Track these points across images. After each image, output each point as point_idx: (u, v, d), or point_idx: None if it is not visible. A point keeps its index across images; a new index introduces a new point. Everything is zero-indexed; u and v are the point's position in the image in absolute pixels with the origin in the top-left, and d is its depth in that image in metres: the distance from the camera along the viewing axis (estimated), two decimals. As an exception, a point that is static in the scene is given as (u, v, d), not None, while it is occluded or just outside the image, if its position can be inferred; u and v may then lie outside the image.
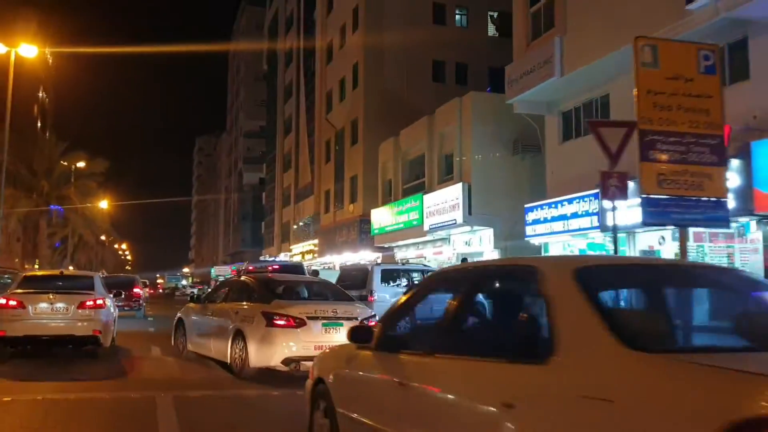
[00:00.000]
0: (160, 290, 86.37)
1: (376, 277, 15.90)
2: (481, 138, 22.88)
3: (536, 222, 19.18)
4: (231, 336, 10.24)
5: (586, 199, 16.98)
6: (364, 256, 34.90)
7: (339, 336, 9.43)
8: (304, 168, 47.34)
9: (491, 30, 36.45)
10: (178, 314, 12.78)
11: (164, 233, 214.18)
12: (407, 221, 27.16)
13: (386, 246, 31.14)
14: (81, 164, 43.32)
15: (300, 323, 9.60)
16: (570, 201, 17.62)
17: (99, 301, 11.45)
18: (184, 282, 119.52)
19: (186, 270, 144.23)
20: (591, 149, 18.13)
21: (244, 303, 10.60)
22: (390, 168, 30.60)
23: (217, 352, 10.86)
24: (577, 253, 19.20)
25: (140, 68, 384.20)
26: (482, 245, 23.24)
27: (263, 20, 69.67)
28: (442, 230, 24.70)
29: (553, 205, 18.41)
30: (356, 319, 9.80)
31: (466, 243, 24.52)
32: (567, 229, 17.73)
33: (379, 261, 34.10)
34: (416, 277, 16.79)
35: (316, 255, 41.98)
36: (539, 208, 19.11)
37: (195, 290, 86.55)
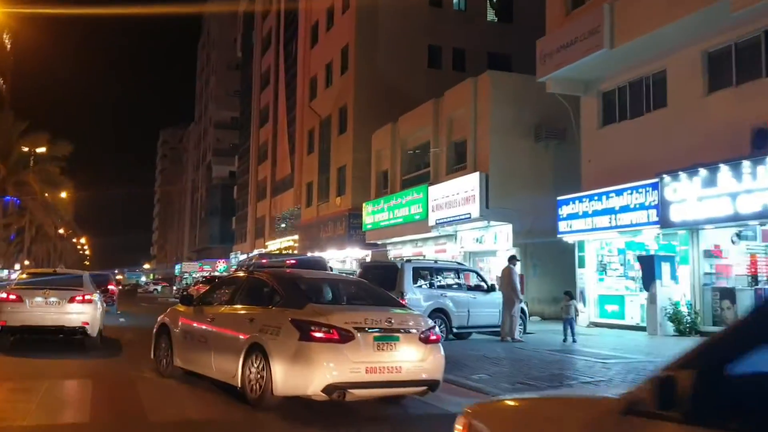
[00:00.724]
0: (119, 287, 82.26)
1: (408, 275, 13.28)
2: (500, 123, 20.37)
3: (572, 217, 16.75)
4: (244, 352, 7.38)
5: (641, 189, 14.60)
6: (352, 254, 32.23)
7: (396, 355, 6.87)
8: (283, 159, 44.41)
9: (490, 15, 34.08)
10: (161, 319, 9.77)
11: (124, 228, 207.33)
12: (407, 215, 24.56)
13: (380, 243, 28.51)
14: (42, 149, 39.70)
15: (346, 336, 6.84)
16: (619, 192, 15.22)
17: (87, 297, 12.32)
18: (143, 279, 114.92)
19: (146, 266, 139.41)
20: (642, 133, 16.02)
21: (263, 307, 7.78)
22: (385, 158, 27.97)
23: (221, 372, 7.99)
24: (614, 254, 16.83)
25: (107, 52, 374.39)
26: (497, 243, 20.72)
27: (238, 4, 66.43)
28: (451, 225, 22.14)
29: (596, 198, 15.99)
30: (415, 331, 7.14)
31: (477, 240, 21.99)
32: (615, 224, 15.34)
33: (368, 258, 31.49)
34: (450, 276, 14.20)
35: (295, 252, 39.08)
36: (576, 201, 16.68)
37: (162, 287, 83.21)
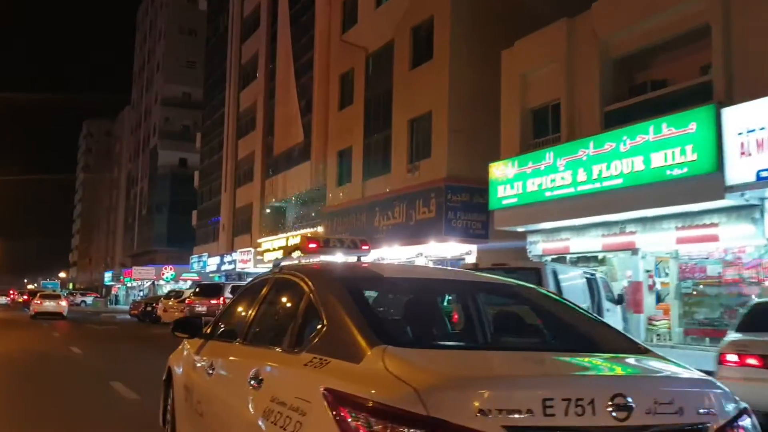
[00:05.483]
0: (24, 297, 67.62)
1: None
2: None
3: None
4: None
5: None
6: (436, 250, 20.60)
7: None
8: (287, 125, 32.11)
9: None
10: (170, 361, 5.20)
11: (35, 232, 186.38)
12: (637, 173, 13.09)
13: (521, 230, 16.98)
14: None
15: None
16: None
17: (62, 302, 34.63)
18: (58, 289, 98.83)
19: (62, 275, 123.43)
20: None
21: (281, 349, 3.28)
22: (550, 80, 16.40)
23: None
24: None
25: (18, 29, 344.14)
26: None
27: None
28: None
29: None
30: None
31: None
32: None
33: (469, 259, 19.98)
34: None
35: (293, 249, 26.88)
36: None
37: (93, 298, 67.97)
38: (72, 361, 13.17)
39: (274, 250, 31.99)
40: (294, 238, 29.85)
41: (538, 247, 16.90)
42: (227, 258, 39.20)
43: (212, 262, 42.48)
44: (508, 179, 16.50)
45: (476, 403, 2.22)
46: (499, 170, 16.85)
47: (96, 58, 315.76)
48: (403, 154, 22.10)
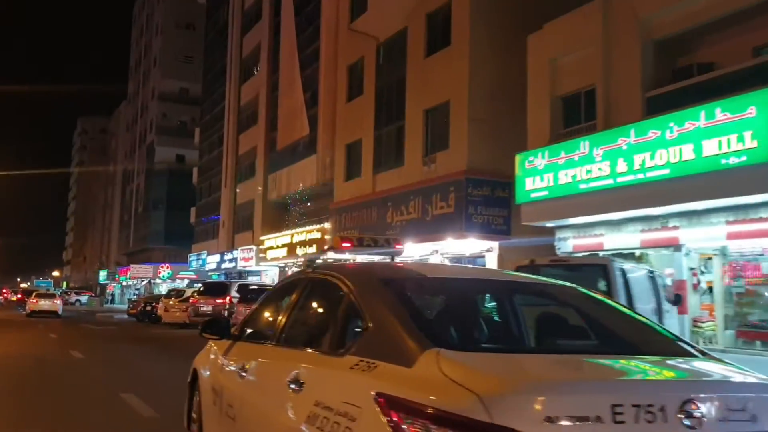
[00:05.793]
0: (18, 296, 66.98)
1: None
2: None
3: None
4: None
5: None
6: (449, 248, 19.61)
7: None
8: (292, 118, 31.05)
9: None
10: (195, 362, 4.96)
11: (28, 230, 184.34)
12: (686, 162, 12.08)
13: (551, 225, 15.97)
14: None
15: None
16: None
17: (57, 301, 35.42)
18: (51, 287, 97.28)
19: (56, 273, 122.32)
20: None
21: (321, 352, 3.20)
22: (580, 65, 15.39)
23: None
24: None
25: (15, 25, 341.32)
26: None
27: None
28: None
29: None
30: None
31: None
32: None
33: (490, 256, 19.06)
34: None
35: (328, 248, 25.88)
36: None
37: (87, 297, 66.73)
38: (74, 368, 12.04)
39: (278, 247, 30.96)
40: (299, 235, 28.82)
41: (568, 243, 15.87)
42: (228, 256, 38.09)
43: (212, 260, 41.37)
44: (538, 171, 15.48)
45: (543, 410, 2.11)
46: (527, 162, 15.82)
47: (91, 54, 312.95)
48: (418, 146, 21.05)
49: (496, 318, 4.01)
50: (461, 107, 19.12)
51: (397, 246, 4.85)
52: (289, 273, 32.71)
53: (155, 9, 67.56)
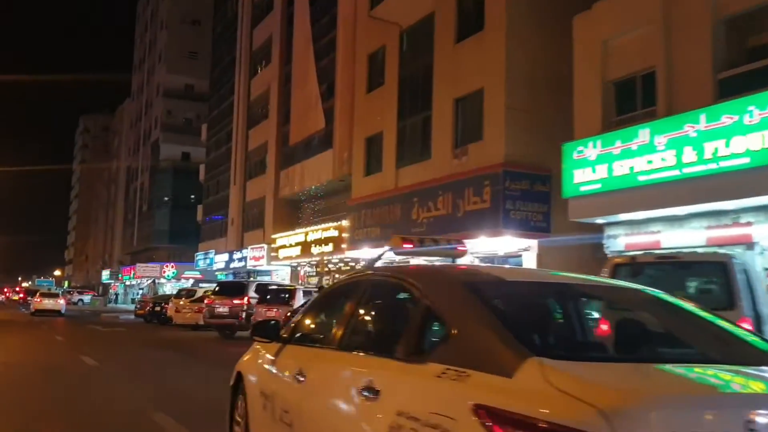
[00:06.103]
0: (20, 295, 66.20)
1: None
2: None
3: None
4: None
5: None
6: (480, 246, 18.33)
7: None
8: (307, 111, 29.81)
9: None
10: (239, 365, 4.82)
11: (28, 229, 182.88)
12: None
13: (601, 221, 14.71)
14: None
15: None
16: None
17: (60, 301, 37.31)
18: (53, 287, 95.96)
19: (57, 273, 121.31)
20: None
21: (398, 360, 2.99)
22: (633, 48, 14.12)
23: None
24: None
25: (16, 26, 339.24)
26: None
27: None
28: None
29: None
30: None
31: None
32: None
33: (528, 254, 17.86)
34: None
35: (344, 247, 24.72)
36: None
37: (90, 296, 65.50)
38: (89, 378, 10.69)
39: (290, 246, 29.74)
40: (314, 233, 27.59)
41: (619, 242, 14.61)
42: (237, 255, 36.86)
43: (220, 259, 40.14)
44: (588, 162, 14.22)
45: (670, 426, 2.02)
46: (576, 152, 14.56)
47: (94, 51, 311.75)
48: (448, 138, 19.80)
49: (586, 324, 3.71)
50: (497, 95, 17.86)
51: (461, 248, 3.98)
52: (301, 273, 31.55)
53: (160, 4, 66.35)
